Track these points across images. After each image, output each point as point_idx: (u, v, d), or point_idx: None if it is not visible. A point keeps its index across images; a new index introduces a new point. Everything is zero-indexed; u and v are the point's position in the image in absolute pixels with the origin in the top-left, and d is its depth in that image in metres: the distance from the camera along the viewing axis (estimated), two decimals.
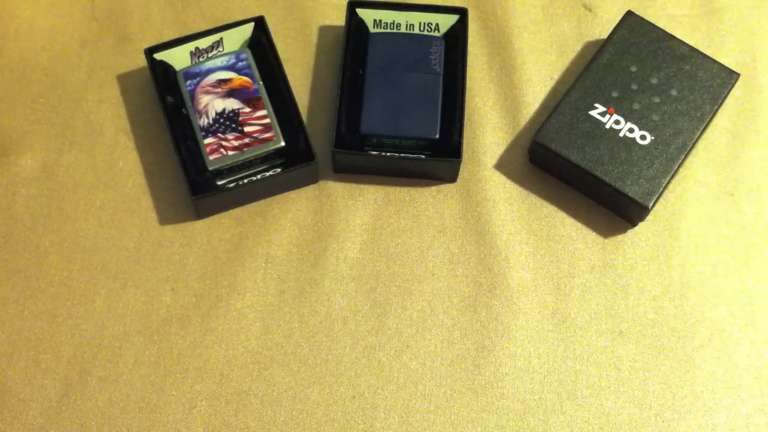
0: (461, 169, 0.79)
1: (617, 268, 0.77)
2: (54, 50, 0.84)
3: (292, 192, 0.79)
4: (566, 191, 0.80)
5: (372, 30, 0.82)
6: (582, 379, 0.73)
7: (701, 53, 0.80)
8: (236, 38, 0.81)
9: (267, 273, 0.76)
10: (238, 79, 0.78)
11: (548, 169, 0.80)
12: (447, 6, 0.83)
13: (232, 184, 0.76)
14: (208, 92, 0.78)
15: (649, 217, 0.78)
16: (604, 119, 0.78)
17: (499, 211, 0.79)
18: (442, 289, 0.76)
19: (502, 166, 0.81)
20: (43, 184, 0.79)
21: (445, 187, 0.80)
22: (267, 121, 0.77)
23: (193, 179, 0.76)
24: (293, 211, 0.79)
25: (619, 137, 0.77)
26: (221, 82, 0.78)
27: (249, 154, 0.76)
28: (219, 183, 0.76)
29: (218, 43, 0.81)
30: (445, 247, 0.77)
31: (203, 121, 0.77)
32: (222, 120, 0.77)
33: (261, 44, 0.81)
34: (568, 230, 0.78)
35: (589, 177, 0.76)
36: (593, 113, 0.78)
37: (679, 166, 0.76)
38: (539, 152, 0.78)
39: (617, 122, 0.77)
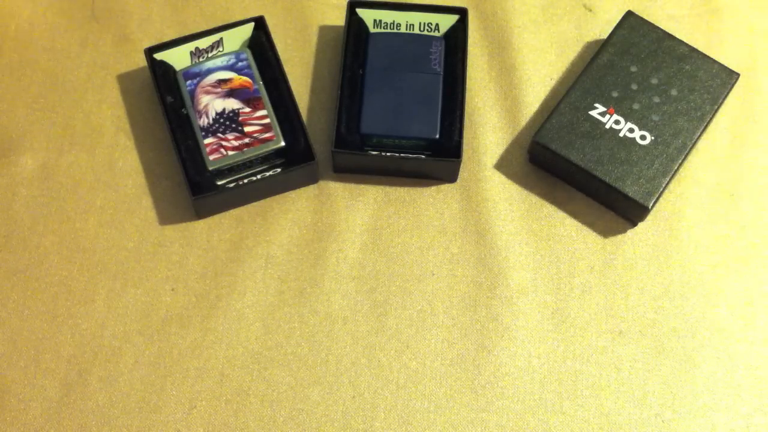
0: (461, 169, 0.79)
1: (617, 268, 0.77)
2: (54, 50, 0.84)
3: (292, 192, 0.79)
4: (566, 191, 0.80)
5: (372, 30, 0.82)
6: (582, 379, 0.73)
7: (701, 53, 0.80)
8: (236, 38, 0.81)
9: (267, 273, 0.76)
10: (238, 79, 0.78)
11: (548, 169, 0.80)
12: (447, 6, 0.83)
13: (232, 184, 0.76)
14: (208, 92, 0.78)
15: (649, 217, 0.78)
16: (604, 119, 0.78)
17: (499, 211, 0.79)
18: (442, 289, 0.76)
19: (502, 166, 0.81)
20: (43, 184, 0.79)
21: (445, 187, 0.80)
22: (267, 121, 0.77)
23: (193, 179, 0.76)
24: (293, 211, 0.79)
25: (619, 137, 0.77)
26: (221, 82, 0.78)
27: (249, 154, 0.76)
28: (219, 183, 0.76)
29: (218, 43, 0.81)
30: (445, 247, 0.77)
31: (203, 121, 0.77)
32: (222, 120, 0.77)
33: (261, 44, 0.81)
34: (568, 230, 0.78)
35: (589, 177, 0.76)
36: (593, 113, 0.78)
37: (679, 166, 0.76)
38: (539, 152, 0.78)
39: (617, 122, 0.77)
